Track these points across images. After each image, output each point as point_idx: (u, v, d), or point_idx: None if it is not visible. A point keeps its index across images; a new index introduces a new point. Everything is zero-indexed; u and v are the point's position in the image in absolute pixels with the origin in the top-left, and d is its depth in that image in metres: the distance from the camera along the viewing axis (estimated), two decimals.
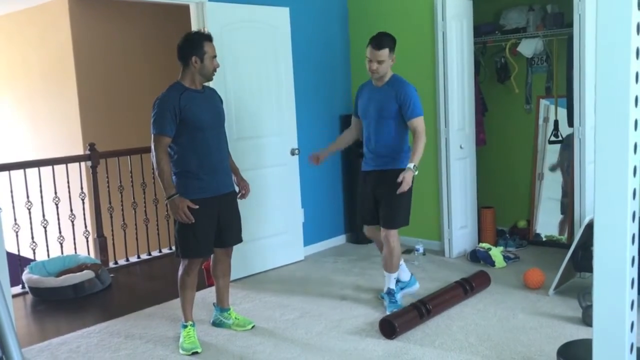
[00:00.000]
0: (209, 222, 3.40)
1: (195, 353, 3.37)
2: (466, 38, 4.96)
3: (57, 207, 4.93)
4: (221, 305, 3.75)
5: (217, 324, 3.75)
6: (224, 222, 3.50)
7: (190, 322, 3.51)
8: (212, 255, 3.66)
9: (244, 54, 4.57)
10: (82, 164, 5.25)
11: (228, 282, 3.76)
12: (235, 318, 3.73)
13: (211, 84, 3.74)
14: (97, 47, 6.85)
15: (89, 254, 5.27)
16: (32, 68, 7.36)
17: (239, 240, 3.67)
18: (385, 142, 3.76)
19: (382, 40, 3.74)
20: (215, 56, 3.37)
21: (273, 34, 4.74)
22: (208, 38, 3.36)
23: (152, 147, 3.30)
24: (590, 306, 3.41)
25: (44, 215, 4.83)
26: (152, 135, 3.30)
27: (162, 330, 3.76)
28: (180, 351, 3.40)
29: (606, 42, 1.29)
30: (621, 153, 1.29)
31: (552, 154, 5.27)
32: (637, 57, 1.28)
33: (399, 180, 3.53)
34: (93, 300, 4.50)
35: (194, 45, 3.30)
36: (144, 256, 5.52)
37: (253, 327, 3.70)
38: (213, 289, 3.86)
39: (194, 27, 4.33)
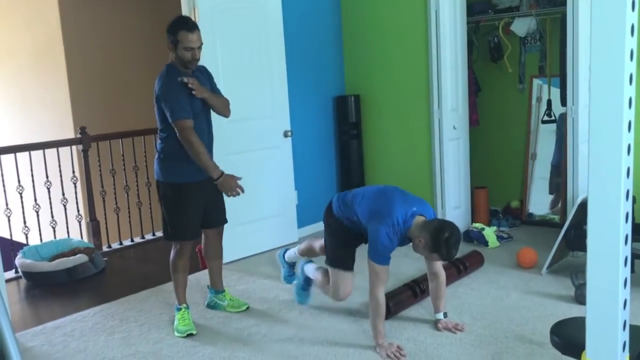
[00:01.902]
0: (197, 205, 3.42)
1: (191, 335, 3.38)
2: (459, 17, 4.93)
3: (49, 191, 4.91)
4: (215, 287, 3.76)
5: (211, 305, 3.76)
6: (211, 203, 3.51)
7: (184, 305, 3.51)
8: (203, 238, 3.67)
9: (236, 34, 4.52)
10: (74, 147, 5.21)
11: (220, 263, 3.76)
12: (230, 299, 3.74)
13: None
14: (87, 29, 6.77)
15: (82, 237, 5.26)
16: (21, 51, 7.28)
17: (225, 220, 3.68)
18: None
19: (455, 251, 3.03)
20: (190, 48, 3.22)
21: (264, 14, 4.68)
22: (185, 27, 3.22)
23: (178, 135, 3.24)
24: (583, 285, 3.43)
25: (35, 200, 4.81)
26: (174, 123, 3.22)
27: (157, 313, 3.76)
28: (175, 333, 3.41)
29: (601, 20, 1.28)
30: (615, 131, 1.28)
31: (545, 133, 5.27)
32: (632, 35, 1.27)
33: (448, 326, 3.30)
34: (87, 284, 4.49)
35: (170, 31, 3.25)
36: (137, 239, 5.51)
37: (248, 308, 3.71)
38: (207, 271, 3.85)
39: (184, 8, 4.27)
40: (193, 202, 3.39)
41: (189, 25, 3.26)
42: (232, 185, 3.34)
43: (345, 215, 3.35)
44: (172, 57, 3.30)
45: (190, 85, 3.24)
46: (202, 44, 3.30)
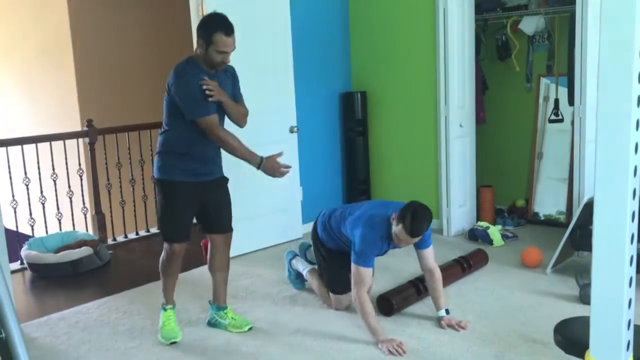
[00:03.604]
0: (189, 206, 3.22)
1: (174, 343, 3.23)
2: (467, 15, 4.91)
3: (55, 184, 4.92)
4: (217, 302, 3.46)
5: (212, 323, 3.47)
6: (217, 207, 3.33)
7: (171, 305, 3.34)
8: (209, 247, 3.45)
9: (242, 30, 4.48)
10: (80, 140, 5.23)
11: (226, 277, 3.47)
12: (232, 318, 3.45)
13: None
14: (95, 21, 6.78)
15: (87, 230, 5.27)
16: (29, 43, 7.30)
17: (231, 228, 3.45)
18: None
19: (424, 227, 3.11)
20: (224, 52, 3.05)
21: (272, 9, 4.68)
22: (223, 30, 3.02)
23: (207, 133, 3.08)
24: (588, 285, 3.42)
25: (42, 192, 4.82)
26: (198, 121, 3.05)
27: (160, 306, 3.76)
28: (159, 338, 3.27)
29: (611, 17, 1.27)
30: (623, 130, 1.28)
31: (552, 133, 5.25)
32: None
33: (452, 324, 3.28)
34: (92, 276, 4.51)
35: (204, 29, 3.04)
36: (142, 233, 5.53)
37: (250, 329, 3.40)
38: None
39: (192, 3, 4.26)
40: (184, 203, 3.19)
41: (227, 28, 3.04)
42: (275, 167, 3.16)
43: (332, 237, 3.52)
44: (199, 52, 3.09)
45: (206, 90, 3.04)
46: (235, 48, 3.11)
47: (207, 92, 3.05)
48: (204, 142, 3.18)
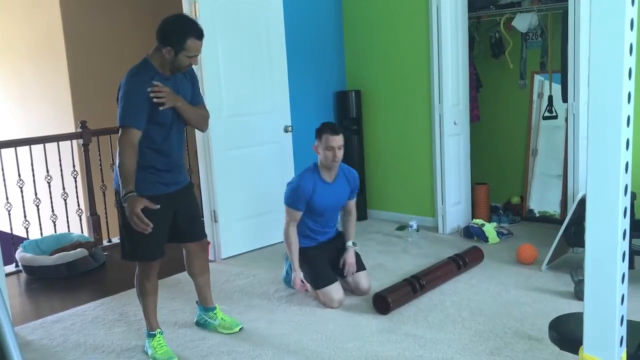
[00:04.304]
0: (163, 221, 2.93)
1: None
2: (460, 12, 4.91)
3: (49, 186, 4.91)
4: (204, 304, 3.38)
5: (201, 324, 3.41)
6: (189, 215, 3.15)
7: (158, 330, 3.14)
8: (185, 255, 3.29)
9: (236, 29, 4.51)
10: (74, 141, 5.21)
11: (208, 278, 3.37)
12: (222, 319, 3.36)
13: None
14: (88, 21, 6.76)
15: (82, 232, 5.26)
16: (21, 44, 7.27)
17: (205, 234, 3.33)
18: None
19: (336, 125, 3.69)
20: (194, 56, 2.89)
21: (265, 8, 4.67)
22: (196, 34, 2.86)
23: (118, 138, 2.82)
24: (583, 281, 3.43)
25: (36, 194, 4.81)
26: (120, 127, 2.81)
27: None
28: None
29: (600, 14, 1.27)
30: (614, 126, 1.28)
31: (546, 129, 5.26)
32: (632, 29, 1.27)
33: (350, 261, 3.77)
34: (87, 278, 4.50)
35: (175, 37, 2.84)
36: None
37: (241, 329, 3.35)
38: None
39: (185, 2, 4.25)
40: (157, 219, 2.81)
41: (199, 31, 2.88)
42: (133, 211, 2.71)
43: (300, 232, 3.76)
44: (165, 56, 2.87)
45: (155, 99, 2.84)
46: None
47: (156, 100, 2.84)
48: (170, 151, 3.00)
